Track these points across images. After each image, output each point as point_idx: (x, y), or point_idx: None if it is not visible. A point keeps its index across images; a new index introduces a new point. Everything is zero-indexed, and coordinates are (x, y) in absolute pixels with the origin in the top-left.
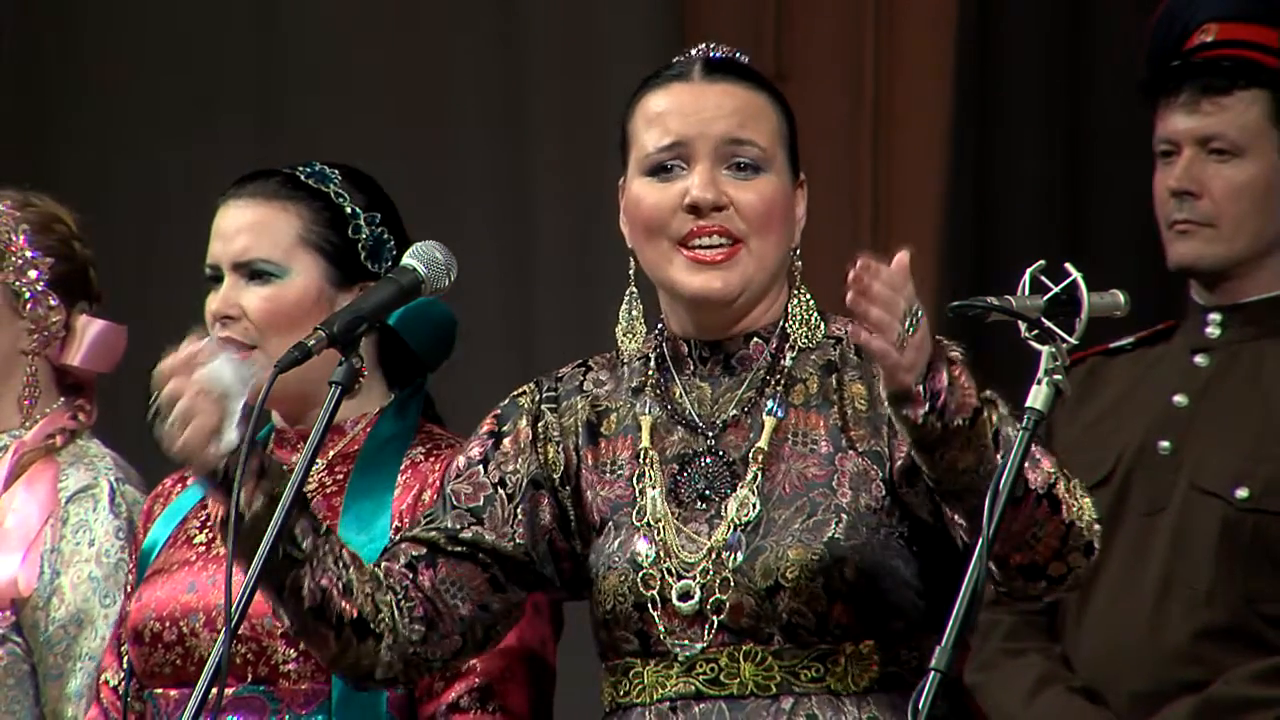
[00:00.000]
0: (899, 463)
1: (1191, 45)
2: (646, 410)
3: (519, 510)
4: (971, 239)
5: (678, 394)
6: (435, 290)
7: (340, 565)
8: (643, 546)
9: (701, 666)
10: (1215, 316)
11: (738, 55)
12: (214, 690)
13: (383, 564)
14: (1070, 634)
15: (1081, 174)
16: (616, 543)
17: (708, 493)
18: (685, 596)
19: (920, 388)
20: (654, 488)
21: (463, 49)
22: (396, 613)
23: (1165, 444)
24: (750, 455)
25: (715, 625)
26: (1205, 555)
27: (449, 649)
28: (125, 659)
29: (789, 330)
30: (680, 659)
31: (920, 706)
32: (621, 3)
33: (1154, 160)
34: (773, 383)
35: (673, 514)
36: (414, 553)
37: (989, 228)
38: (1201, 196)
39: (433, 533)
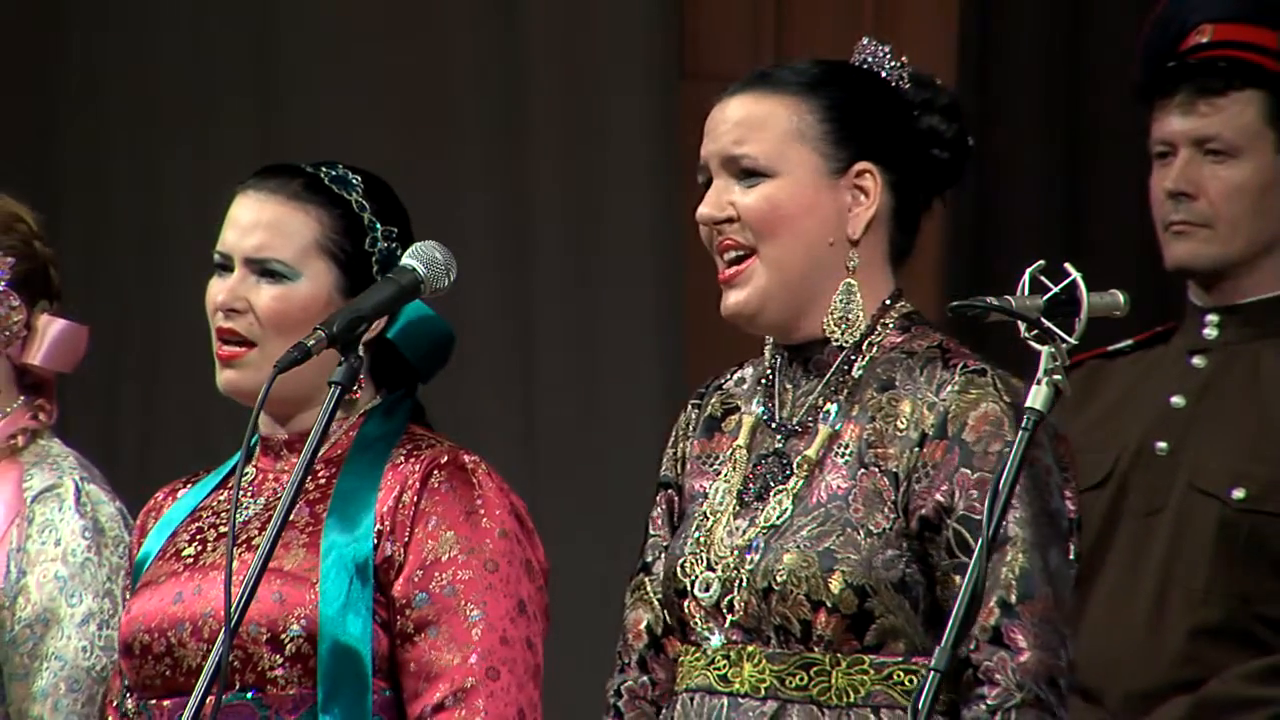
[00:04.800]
0: (920, 511)
1: (1187, 46)
2: (752, 408)
3: (659, 516)
4: (971, 239)
5: (775, 394)
6: (435, 290)
7: None
8: (692, 536)
9: (719, 661)
10: (1213, 318)
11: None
12: (209, 698)
13: (641, 688)
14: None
15: (1081, 174)
16: (681, 530)
17: (763, 493)
18: (705, 589)
19: None
20: (726, 483)
21: (463, 49)
22: None
23: (1163, 445)
24: (799, 462)
25: (729, 622)
26: (1202, 555)
27: None
28: (125, 677)
29: (826, 327)
30: (706, 651)
31: (920, 706)
32: (621, 3)
33: (1150, 161)
34: (838, 391)
35: (733, 510)
36: (639, 645)
37: (989, 228)
38: (1198, 197)
39: (644, 611)
